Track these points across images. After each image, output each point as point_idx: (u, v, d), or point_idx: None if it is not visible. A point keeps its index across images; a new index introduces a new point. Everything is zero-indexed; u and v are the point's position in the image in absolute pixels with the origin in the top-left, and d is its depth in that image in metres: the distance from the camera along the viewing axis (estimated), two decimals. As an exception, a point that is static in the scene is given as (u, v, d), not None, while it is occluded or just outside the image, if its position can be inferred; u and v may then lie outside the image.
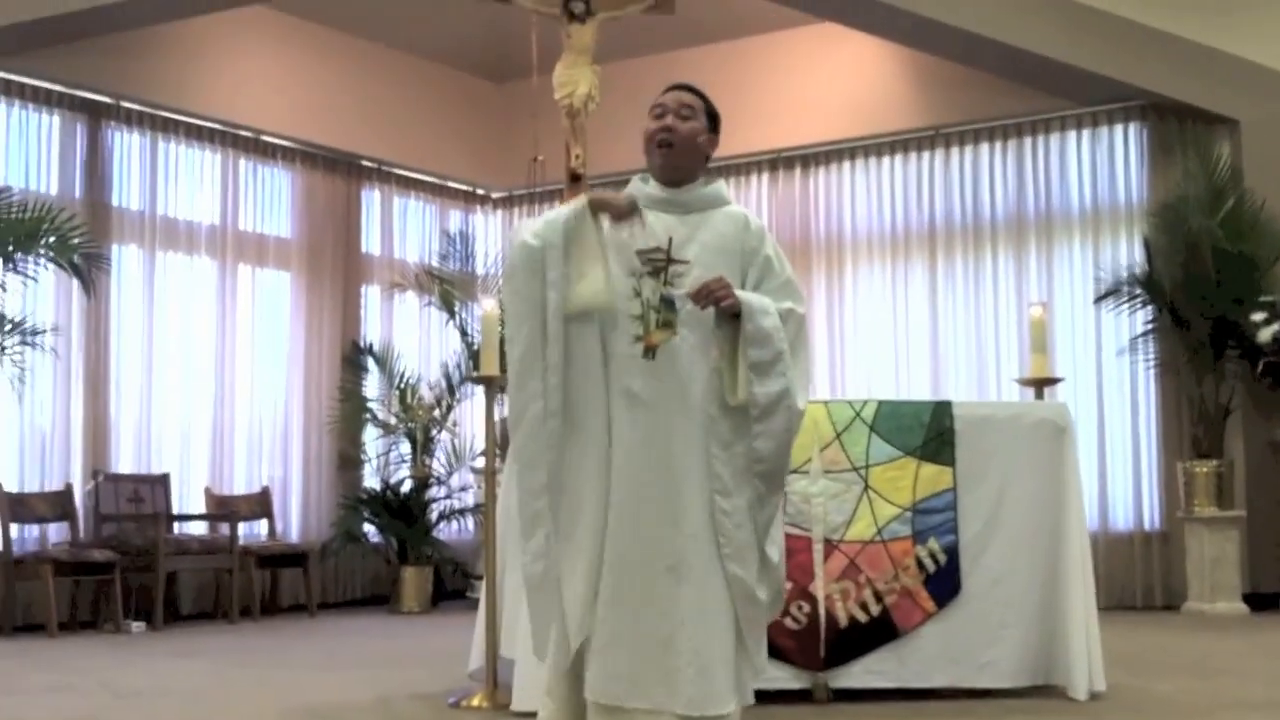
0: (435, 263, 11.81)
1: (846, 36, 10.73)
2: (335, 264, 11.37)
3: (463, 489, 11.47)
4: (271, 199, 11.11)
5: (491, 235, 12.74)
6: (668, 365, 3.64)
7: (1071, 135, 10.51)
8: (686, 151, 3.79)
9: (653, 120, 3.80)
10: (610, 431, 3.65)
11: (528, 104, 10.04)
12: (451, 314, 11.37)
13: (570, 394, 3.64)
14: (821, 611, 5.35)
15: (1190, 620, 8.87)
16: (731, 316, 3.63)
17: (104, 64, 9.80)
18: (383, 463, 11.28)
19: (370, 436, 11.36)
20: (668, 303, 3.66)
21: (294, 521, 10.95)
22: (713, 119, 3.85)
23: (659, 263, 3.68)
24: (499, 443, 6.00)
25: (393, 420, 11.23)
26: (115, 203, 9.99)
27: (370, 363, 11.36)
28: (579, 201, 3.70)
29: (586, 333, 3.66)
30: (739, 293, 3.64)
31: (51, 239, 8.60)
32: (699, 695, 3.56)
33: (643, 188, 3.82)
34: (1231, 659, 6.83)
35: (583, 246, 3.66)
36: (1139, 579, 9.95)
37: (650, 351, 3.65)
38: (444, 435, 11.32)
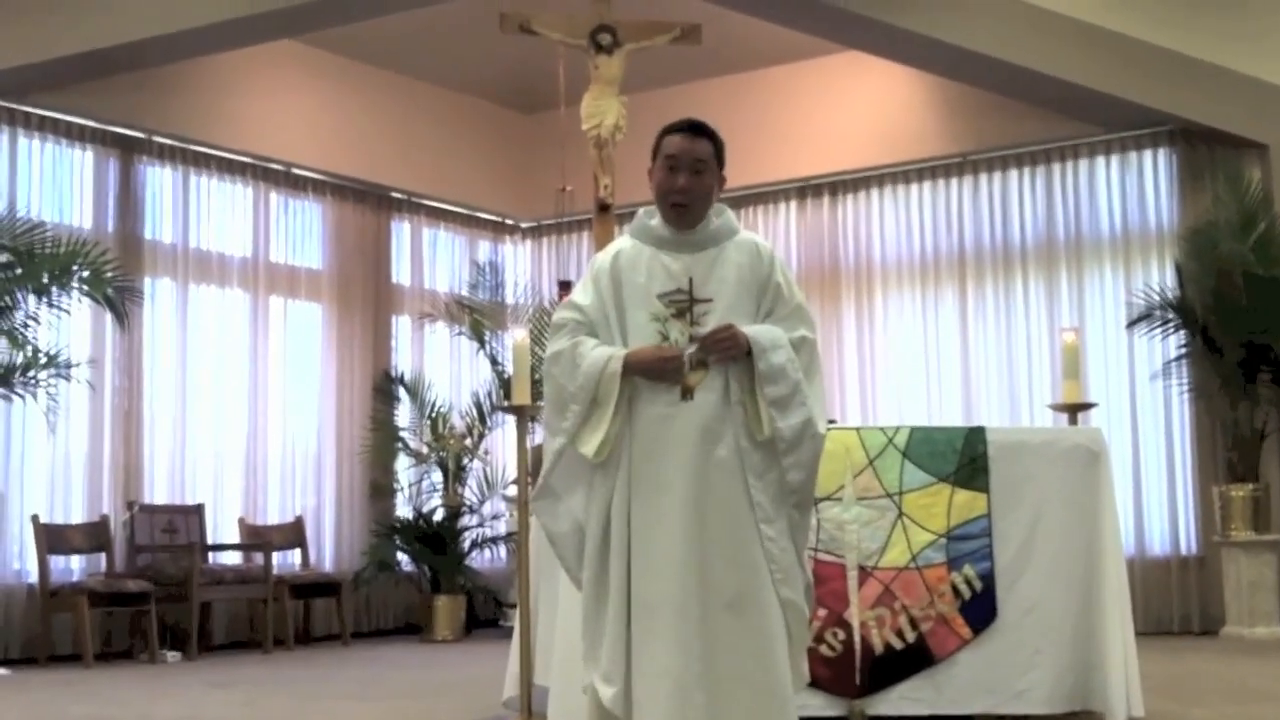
0: (465, 293, 11.86)
1: (873, 65, 10.75)
2: (366, 295, 11.44)
3: (495, 517, 11.48)
4: (302, 231, 11.19)
5: (521, 265, 12.79)
6: (702, 404, 3.69)
7: (1100, 161, 10.50)
8: (701, 207, 3.81)
9: (665, 172, 3.79)
10: (640, 476, 3.69)
11: (556, 135, 10.10)
12: (482, 343, 11.41)
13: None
14: (857, 639, 5.33)
15: (1229, 645, 8.81)
16: (745, 354, 3.68)
17: (136, 99, 9.90)
18: (415, 492, 11.31)
19: (402, 466, 11.40)
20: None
21: (327, 551, 10.99)
22: (721, 158, 3.85)
23: (682, 304, 3.74)
24: (531, 471, 6.01)
25: (424, 449, 11.26)
26: (148, 236, 10.09)
27: (401, 392, 11.41)
28: (616, 362, 3.70)
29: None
30: (748, 330, 3.69)
31: (85, 273, 8.67)
32: None
33: (651, 228, 3.85)
34: (1271, 683, 6.78)
35: (603, 401, 3.71)
36: (1176, 604, 9.89)
37: (688, 393, 3.69)
38: (476, 464, 11.34)
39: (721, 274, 3.76)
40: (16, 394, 8.52)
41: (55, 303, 8.67)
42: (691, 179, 3.76)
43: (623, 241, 3.92)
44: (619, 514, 3.69)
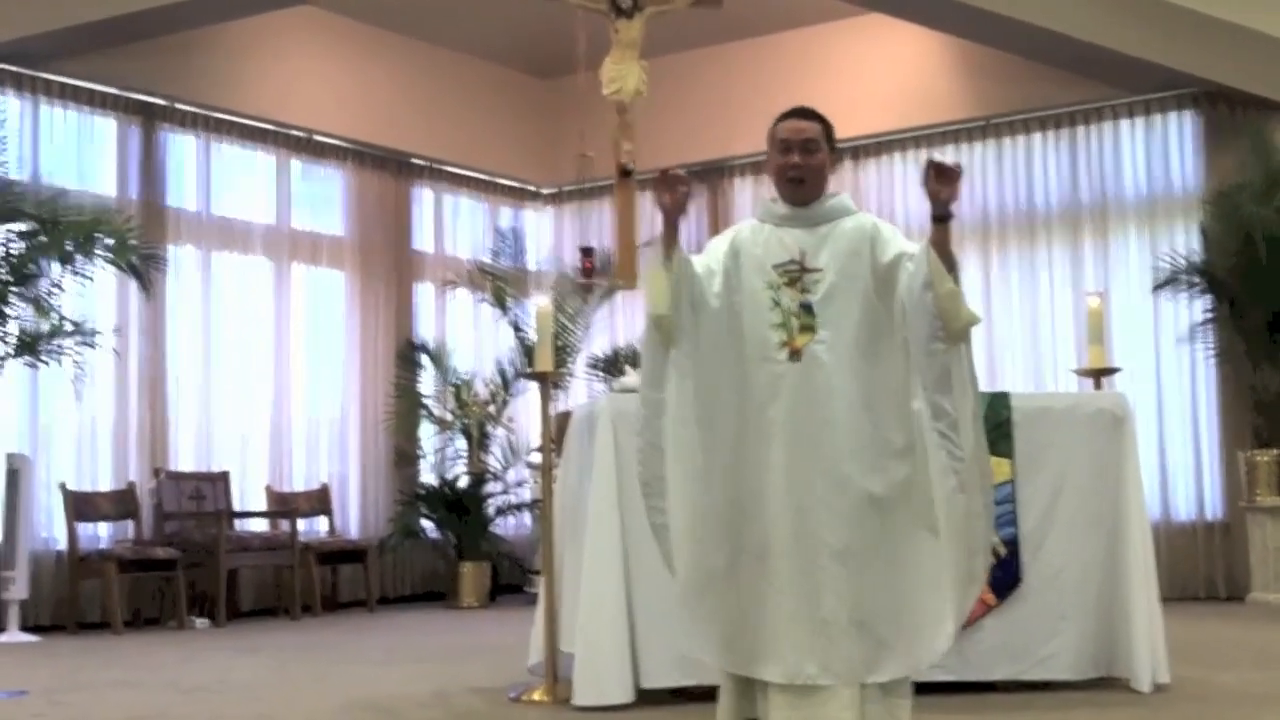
0: (487, 259, 11.85)
1: (895, 27, 10.68)
2: (388, 262, 11.45)
3: (519, 484, 11.51)
4: (324, 198, 11.20)
5: (542, 231, 12.78)
6: (812, 365, 3.91)
7: (1124, 124, 10.43)
8: (816, 182, 4.06)
9: (779, 154, 4.04)
10: (756, 437, 3.91)
11: (577, 100, 10.06)
12: (504, 310, 11.41)
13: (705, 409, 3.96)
14: (880, 604, 5.32)
15: (1254, 611, 8.79)
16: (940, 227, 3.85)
17: (157, 66, 9.89)
18: (439, 459, 11.34)
19: (426, 433, 11.43)
20: (806, 308, 3.95)
21: (353, 518, 11.04)
22: (831, 139, 4.08)
23: (794, 273, 3.99)
24: (554, 437, 6.02)
25: (448, 416, 11.28)
26: (171, 204, 10.10)
27: (425, 359, 11.42)
28: (658, 244, 4.00)
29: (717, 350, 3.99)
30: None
31: (109, 240, 8.68)
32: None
33: (772, 208, 4.12)
34: (1295, 649, 6.77)
35: (654, 268, 4.00)
36: (1201, 569, 9.86)
37: (796, 354, 3.92)
38: (499, 430, 11.37)
39: (832, 247, 3.99)
40: (42, 361, 8.56)
41: (79, 270, 8.69)
42: (804, 156, 4.02)
43: (746, 222, 4.19)
44: (727, 468, 3.92)
